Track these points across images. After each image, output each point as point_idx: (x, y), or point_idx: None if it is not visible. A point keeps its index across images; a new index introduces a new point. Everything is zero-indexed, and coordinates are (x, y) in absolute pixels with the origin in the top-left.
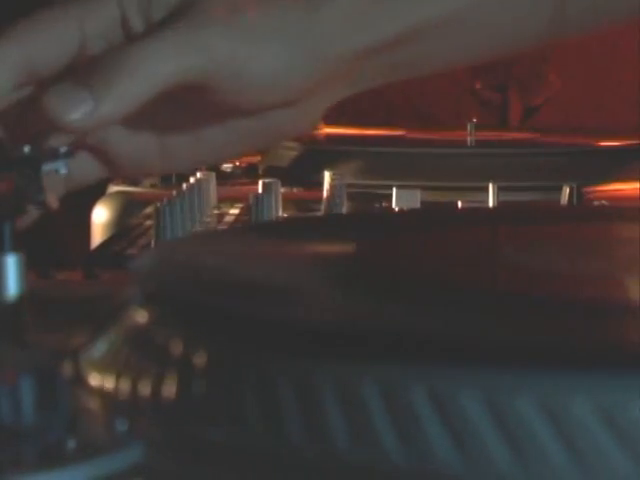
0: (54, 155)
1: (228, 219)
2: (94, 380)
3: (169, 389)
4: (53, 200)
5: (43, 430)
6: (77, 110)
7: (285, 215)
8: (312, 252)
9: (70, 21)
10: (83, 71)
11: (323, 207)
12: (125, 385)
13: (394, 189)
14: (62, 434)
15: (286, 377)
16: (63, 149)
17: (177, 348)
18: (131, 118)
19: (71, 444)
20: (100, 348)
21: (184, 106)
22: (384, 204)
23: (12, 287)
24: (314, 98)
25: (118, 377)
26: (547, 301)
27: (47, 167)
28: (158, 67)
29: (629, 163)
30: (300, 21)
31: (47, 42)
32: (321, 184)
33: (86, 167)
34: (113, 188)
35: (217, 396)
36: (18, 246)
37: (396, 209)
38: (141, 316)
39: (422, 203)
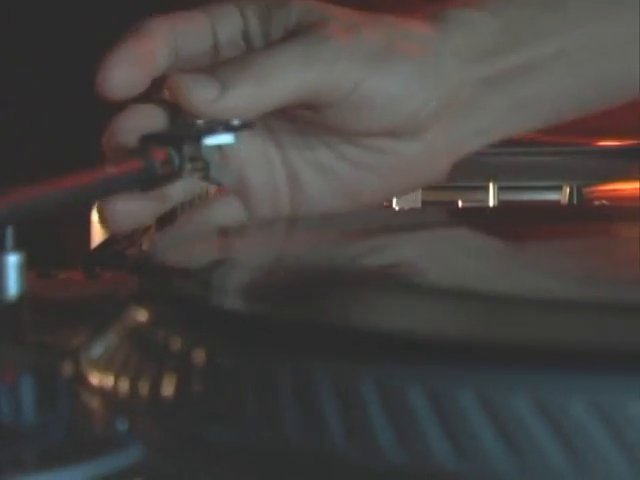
0: (227, 128)
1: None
2: (94, 380)
3: (169, 389)
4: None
5: (43, 430)
6: (202, 92)
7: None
8: (315, 251)
9: (205, 21)
10: (213, 66)
11: None
12: (125, 385)
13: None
14: (62, 434)
15: (287, 376)
16: (236, 122)
17: (177, 348)
18: (260, 149)
19: (71, 444)
20: (100, 348)
21: (304, 134)
22: (384, 204)
23: (12, 287)
24: (439, 134)
25: (118, 377)
26: (549, 301)
27: (217, 140)
28: (284, 75)
29: (629, 163)
30: (422, 42)
31: (189, 32)
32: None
33: (227, 210)
34: None
35: (217, 396)
36: (18, 246)
37: (396, 208)
38: (141, 315)
39: (422, 203)
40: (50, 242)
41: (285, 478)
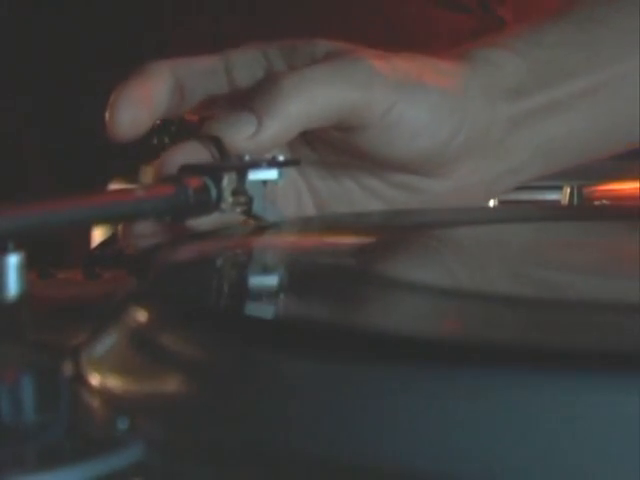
0: (272, 163)
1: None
2: (94, 379)
3: (169, 388)
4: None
5: (43, 429)
6: (240, 131)
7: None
8: (316, 252)
9: (217, 62)
10: (245, 95)
11: None
12: (125, 384)
13: None
14: (62, 433)
15: (286, 376)
16: (281, 158)
17: (177, 347)
18: (289, 179)
19: (71, 443)
20: (101, 347)
21: (330, 166)
22: None
23: (12, 286)
24: (468, 173)
25: (118, 376)
26: (546, 301)
27: (261, 175)
28: (318, 92)
29: (629, 163)
30: (452, 76)
31: (194, 72)
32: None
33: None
34: (113, 186)
35: (217, 396)
36: (19, 245)
37: None
38: (141, 315)
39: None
40: (50, 242)
41: (285, 478)
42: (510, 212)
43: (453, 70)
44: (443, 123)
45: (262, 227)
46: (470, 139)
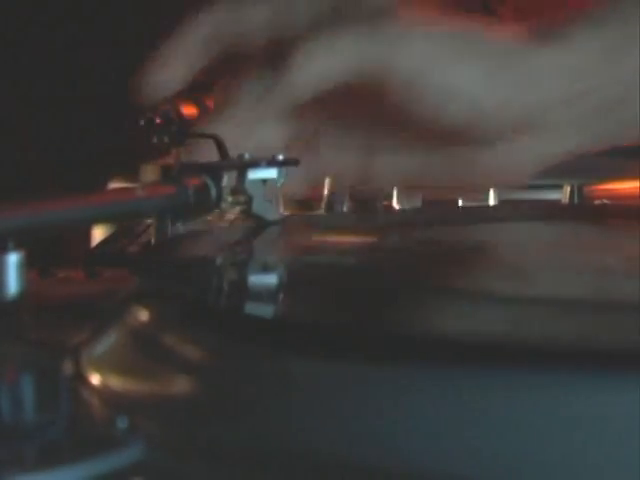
0: (271, 162)
1: (229, 217)
2: (95, 378)
3: (169, 387)
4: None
5: (43, 428)
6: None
7: (286, 214)
8: (316, 251)
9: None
10: (273, 52)
11: (324, 206)
12: (126, 383)
13: (394, 188)
14: (62, 432)
15: (287, 376)
16: (280, 157)
17: (178, 346)
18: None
19: (71, 442)
20: (101, 346)
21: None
22: (385, 203)
23: (13, 285)
24: (511, 150)
25: (119, 375)
26: (547, 300)
27: (260, 174)
28: (340, 52)
29: (630, 162)
30: (503, 54)
31: (237, 20)
32: (322, 183)
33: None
34: (113, 186)
35: (217, 395)
36: (19, 244)
37: (397, 207)
38: (142, 314)
39: (423, 202)
40: (51, 240)
41: (285, 478)
42: (510, 211)
43: (504, 47)
44: (471, 87)
45: (262, 226)
46: (516, 117)
